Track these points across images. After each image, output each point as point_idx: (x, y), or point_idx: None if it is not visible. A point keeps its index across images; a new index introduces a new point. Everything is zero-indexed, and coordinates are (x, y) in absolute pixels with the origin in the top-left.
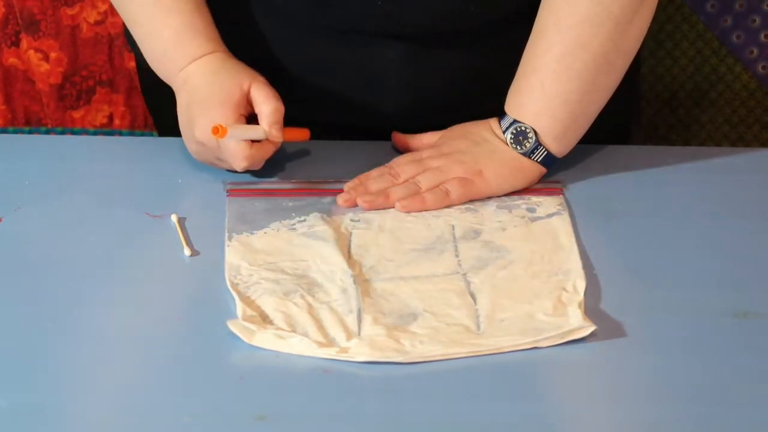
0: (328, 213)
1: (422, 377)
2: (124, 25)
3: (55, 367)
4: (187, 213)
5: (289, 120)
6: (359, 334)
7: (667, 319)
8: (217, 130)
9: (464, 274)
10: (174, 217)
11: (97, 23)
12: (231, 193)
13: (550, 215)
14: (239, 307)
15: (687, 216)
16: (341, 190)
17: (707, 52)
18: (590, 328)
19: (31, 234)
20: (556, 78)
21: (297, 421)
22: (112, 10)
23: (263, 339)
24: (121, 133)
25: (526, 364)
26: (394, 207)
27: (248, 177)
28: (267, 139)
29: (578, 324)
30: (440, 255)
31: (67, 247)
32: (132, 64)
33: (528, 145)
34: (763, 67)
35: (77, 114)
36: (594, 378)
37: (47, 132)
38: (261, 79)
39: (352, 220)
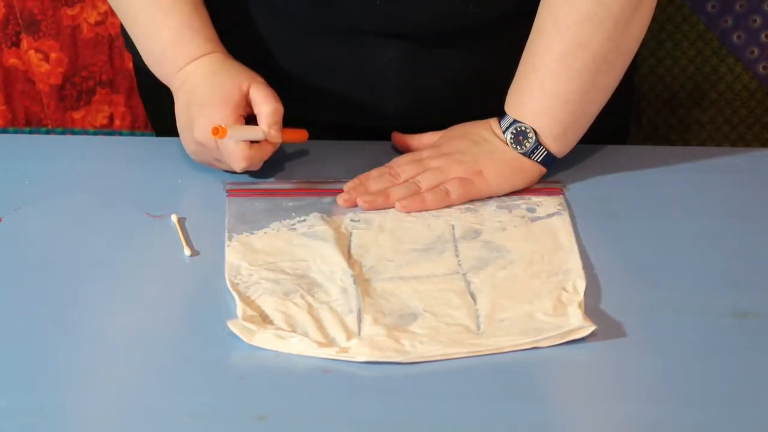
0: (328, 213)
1: (422, 377)
2: (122, 25)
3: (55, 367)
4: (187, 213)
5: (289, 120)
6: (359, 334)
7: (667, 319)
8: (217, 131)
9: (464, 274)
10: (174, 217)
11: (98, 24)
12: (231, 193)
13: (550, 215)
14: (239, 307)
15: (687, 216)
16: (341, 190)
17: (708, 52)
18: (590, 328)
19: (31, 234)
20: (556, 78)
21: (297, 421)
22: (112, 11)
23: (263, 339)
24: (121, 134)
25: (526, 364)
26: (394, 207)
27: (248, 177)
28: (266, 140)
29: (578, 324)
30: (440, 255)
31: (67, 247)
32: (132, 64)
33: (528, 145)
34: (764, 68)
35: (77, 115)
36: (594, 378)
37: (47, 133)
38: (260, 79)
39: (352, 220)
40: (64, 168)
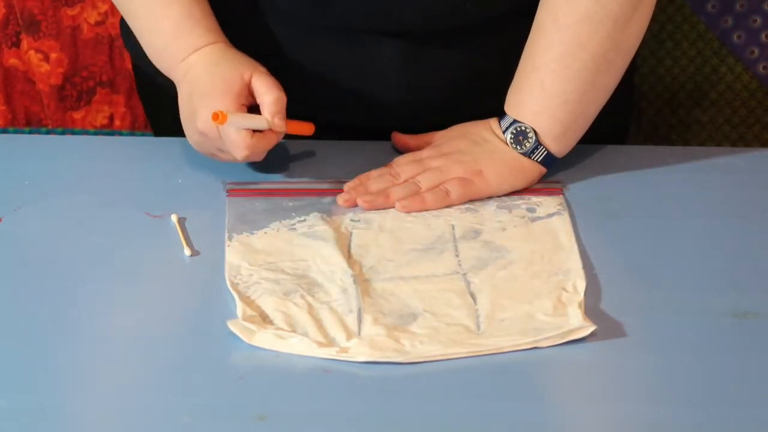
0: (328, 213)
1: (422, 377)
2: (121, 25)
3: (55, 367)
4: (187, 213)
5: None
6: (359, 334)
7: (667, 319)
8: (218, 116)
9: (464, 274)
10: (174, 217)
11: (98, 24)
12: (231, 193)
13: (550, 215)
14: (239, 307)
15: (687, 216)
16: (341, 190)
17: (708, 52)
18: (590, 328)
19: (31, 234)
20: (556, 77)
21: (297, 421)
22: (112, 11)
23: (263, 339)
24: (121, 134)
25: (526, 364)
26: (394, 207)
27: (248, 177)
28: (270, 130)
29: (578, 324)
30: (440, 255)
31: (67, 247)
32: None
33: (528, 145)
34: (764, 68)
35: (78, 115)
36: (594, 378)
37: (48, 133)
38: (262, 69)
39: (352, 220)
40: (64, 168)
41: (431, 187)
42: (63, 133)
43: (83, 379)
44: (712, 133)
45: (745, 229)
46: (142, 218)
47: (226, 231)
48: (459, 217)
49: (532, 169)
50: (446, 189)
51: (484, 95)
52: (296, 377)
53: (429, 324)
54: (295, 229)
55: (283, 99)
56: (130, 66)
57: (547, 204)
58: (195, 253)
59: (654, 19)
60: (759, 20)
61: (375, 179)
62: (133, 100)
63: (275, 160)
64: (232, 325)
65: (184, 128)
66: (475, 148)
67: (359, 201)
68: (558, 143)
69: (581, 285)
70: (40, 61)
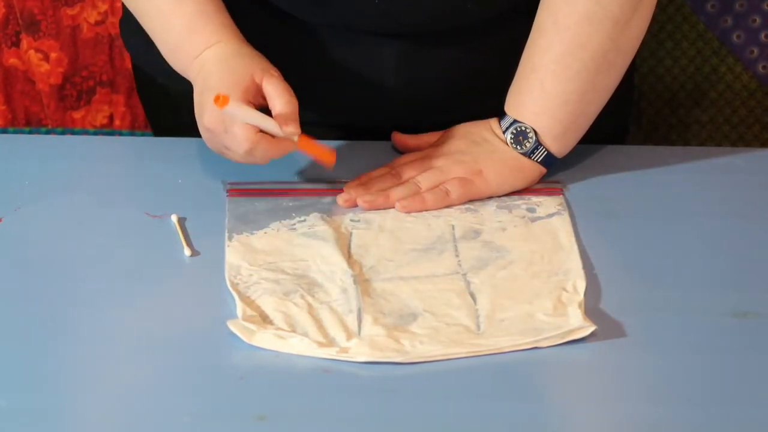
0: (328, 213)
1: (422, 377)
2: (120, 25)
3: (55, 367)
4: (187, 213)
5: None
6: (359, 334)
7: (667, 319)
8: (218, 99)
9: (464, 274)
10: (174, 217)
11: (98, 23)
12: (231, 193)
13: (550, 215)
14: (239, 307)
15: (687, 216)
16: (341, 190)
17: (708, 52)
18: (590, 328)
19: (31, 234)
20: (556, 78)
21: (297, 421)
22: (112, 10)
23: (263, 339)
24: (121, 134)
25: (526, 364)
26: (394, 207)
27: (248, 177)
28: (284, 138)
29: (578, 324)
30: (440, 255)
31: (67, 247)
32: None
33: (528, 145)
34: (764, 67)
35: (77, 114)
36: (594, 378)
37: (47, 133)
38: (275, 72)
39: (352, 220)
40: (64, 168)
41: (431, 187)
42: (63, 132)
43: (83, 379)
44: (711, 133)
45: (745, 229)
46: (142, 218)
47: (226, 231)
48: (459, 217)
49: (532, 169)
50: (446, 189)
51: (483, 95)
52: (296, 377)
53: (429, 324)
54: (295, 229)
55: (295, 104)
56: (129, 66)
57: (547, 204)
58: (195, 253)
59: (654, 19)
60: (758, 20)
61: (375, 179)
62: (133, 99)
63: (275, 160)
64: (232, 325)
65: (198, 125)
66: (475, 148)
67: (359, 201)
68: (558, 143)
69: (581, 285)
70: (40, 61)
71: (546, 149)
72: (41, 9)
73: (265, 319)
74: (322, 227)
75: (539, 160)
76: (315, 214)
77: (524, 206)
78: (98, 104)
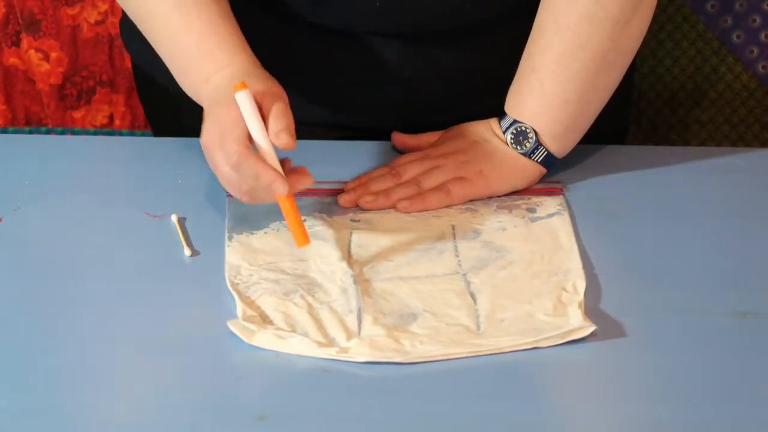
0: (328, 213)
1: (422, 377)
2: (120, 25)
3: (55, 367)
4: (187, 213)
5: None
6: (359, 334)
7: (667, 319)
8: (237, 85)
9: (464, 274)
10: (174, 217)
11: (98, 23)
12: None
13: (550, 215)
14: (239, 307)
15: (687, 216)
16: (341, 190)
17: (707, 51)
18: (590, 328)
19: (31, 234)
20: (556, 78)
21: (297, 421)
22: (112, 10)
23: (263, 339)
24: (121, 134)
25: (526, 364)
26: (394, 207)
27: None
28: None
29: (578, 324)
30: (440, 255)
31: (67, 247)
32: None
33: (528, 145)
34: (764, 67)
35: (78, 114)
36: (594, 378)
37: (48, 132)
38: (283, 98)
39: (352, 220)
40: (64, 168)
41: (432, 187)
42: (63, 132)
43: (83, 379)
44: (711, 133)
45: (745, 229)
46: (142, 218)
47: (226, 231)
48: (459, 217)
49: (533, 169)
50: (447, 189)
51: (483, 95)
52: (296, 377)
53: (429, 324)
54: None
55: (291, 122)
56: (129, 65)
57: (547, 204)
58: (195, 253)
59: (654, 19)
60: (758, 20)
61: (376, 179)
62: (133, 99)
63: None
64: (232, 325)
65: (210, 160)
66: (475, 148)
67: (360, 201)
68: (558, 143)
69: (581, 285)
70: (40, 61)
71: (546, 149)
72: (41, 9)
73: (265, 319)
74: (322, 227)
75: (539, 160)
76: (315, 214)
77: (524, 206)
78: (98, 104)
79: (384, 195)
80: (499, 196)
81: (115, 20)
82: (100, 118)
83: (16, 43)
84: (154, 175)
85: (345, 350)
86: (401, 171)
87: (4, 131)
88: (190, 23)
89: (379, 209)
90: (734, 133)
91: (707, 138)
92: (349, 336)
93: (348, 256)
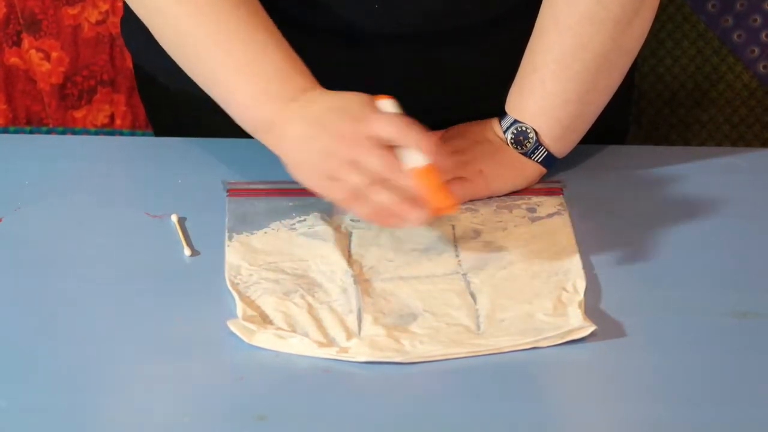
0: (328, 213)
1: (422, 377)
2: (122, 24)
3: (55, 367)
4: (187, 213)
5: None
6: (359, 334)
7: (667, 319)
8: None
9: (464, 274)
10: (174, 217)
11: (99, 23)
12: (231, 193)
13: (550, 215)
14: (239, 307)
15: (687, 216)
16: None
17: (708, 51)
18: (590, 328)
19: (31, 234)
20: (556, 78)
21: (297, 421)
22: (113, 10)
23: (263, 339)
24: (122, 133)
25: (526, 364)
26: None
27: (248, 177)
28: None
29: (578, 324)
30: (440, 255)
31: (67, 247)
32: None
33: (528, 145)
34: (764, 67)
35: (79, 114)
36: (594, 378)
37: (48, 132)
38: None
39: (352, 220)
40: (64, 168)
41: None
42: (64, 132)
43: (83, 379)
44: (712, 133)
45: (745, 229)
46: (142, 218)
47: (226, 231)
48: (459, 217)
49: (533, 169)
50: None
51: (484, 95)
52: (296, 377)
53: (429, 324)
54: (295, 229)
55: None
56: (130, 65)
57: (547, 204)
58: (195, 253)
59: (654, 19)
60: (759, 19)
61: None
62: (134, 99)
63: (275, 160)
64: (232, 325)
65: (302, 175)
66: (475, 148)
67: None
68: (558, 144)
69: (581, 285)
70: (41, 60)
71: (546, 149)
72: (42, 8)
73: (265, 319)
74: (322, 227)
75: (539, 160)
76: (315, 213)
77: (524, 206)
78: (99, 103)
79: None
80: (499, 196)
81: (116, 20)
82: (101, 118)
83: (17, 43)
84: (154, 175)
85: (345, 350)
86: None
87: (5, 131)
88: (266, 54)
89: None
90: (735, 133)
91: (707, 138)
92: (349, 336)
93: (348, 256)
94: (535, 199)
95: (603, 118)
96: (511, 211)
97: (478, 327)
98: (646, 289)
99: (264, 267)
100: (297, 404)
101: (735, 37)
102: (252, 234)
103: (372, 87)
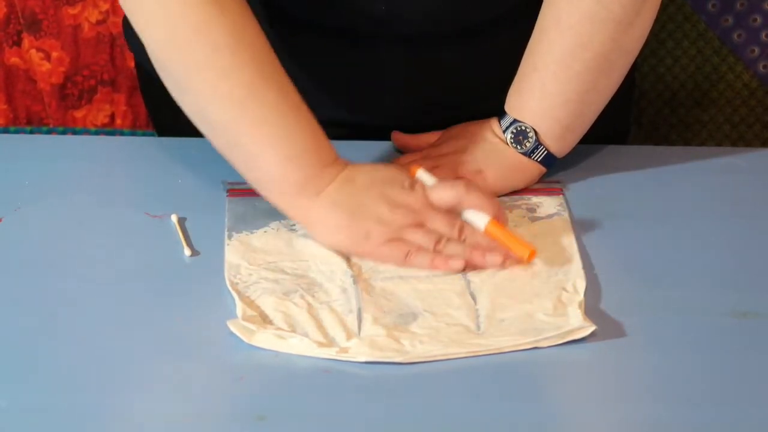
0: None
1: (422, 377)
2: (123, 25)
3: (55, 367)
4: (187, 213)
5: None
6: (359, 334)
7: (667, 319)
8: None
9: (464, 274)
10: (174, 217)
11: (99, 23)
12: (231, 193)
13: (550, 215)
14: (239, 307)
15: (687, 216)
16: None
17: (708, 51)
18: (590, 328)
19: (31, 234)
20: (556, 78)
21: (297, 421)
22: (113, 10)
23: (263, 339)
24: (122, 133)
25: (526, 364)
26: None
27: None
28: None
29: (578, 324)
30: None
31: (67, 247)
32: (133, 63)
33: (528, 144)
34: (764, 66)
35: (79, 113)
36: (594, 378)
37: (49, 132)
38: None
39: None
40: (64, 168)
41: None
42: (64, 132)
43: (83, 379)
44: (712, 133)
45: (745, 229)
46: (142, 218)
47: (226, 230)
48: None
49: (532, 169)
50: None
51: (484, 95)
52: (296, 377)
53: (429, 324)
54: (295, 229)
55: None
56: (131, 65)
57: (547, 204)
58: (195, 253)
59: (655, 19)
60: (759, 19)
61: None
62: (135, 98)
63: None
64: (232, 325)
65: (344, 241)
66: (475, 148)
67: None
68: (558, 143)
69: (581, 285)
70: (42, 60)
71: (546, 149)
72: (42, 8)
73: (264, 319)
74: None
75: (539, 160)
76: None
77: (524, 206)
78: (99, 103)
79: None
80: (499, 196)
81: (117, 20)
82: (102, 118)
83: (18, 43)
84: (154, 175)
85: (345, 350)
86: None
87: (6, 131)
88: (299, 122)
89: None
90: (735, 133)
91: (708, 138)
92: (349, 336)
93: (348, 256)
94: (535, 199)
95: (604, 119)
96: (511, 211)
97: (478, 327)
98: (646, 289)
99: (264, 267)
100: (297, 404)
101: (735, 36)
102: (252, 233)
103: (373, 87)
